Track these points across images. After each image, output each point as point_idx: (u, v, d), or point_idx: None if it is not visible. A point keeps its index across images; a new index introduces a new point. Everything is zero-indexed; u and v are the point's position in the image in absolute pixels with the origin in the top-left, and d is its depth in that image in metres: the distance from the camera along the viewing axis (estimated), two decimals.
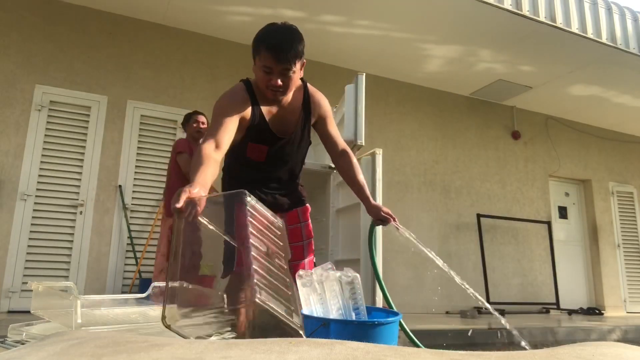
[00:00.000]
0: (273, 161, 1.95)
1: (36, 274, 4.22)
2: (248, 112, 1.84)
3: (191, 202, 1.33)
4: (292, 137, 1.94)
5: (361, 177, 2.06)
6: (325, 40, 5.43)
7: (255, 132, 1.87)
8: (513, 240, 6.79)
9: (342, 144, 2.08)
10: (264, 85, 1.78)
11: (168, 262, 3.44)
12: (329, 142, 2.06)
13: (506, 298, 6.40)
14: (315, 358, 0.70)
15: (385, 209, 2.03)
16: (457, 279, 1.83)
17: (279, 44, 1.71)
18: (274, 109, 1.89)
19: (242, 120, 1.82)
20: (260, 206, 1.41)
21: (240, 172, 1.96)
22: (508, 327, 1.84)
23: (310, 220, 2.14)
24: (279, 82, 1.75)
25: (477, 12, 4.82)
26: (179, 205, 1.31)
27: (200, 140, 1.71)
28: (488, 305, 1.86)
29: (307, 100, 1.93)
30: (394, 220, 2.01)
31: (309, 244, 2.10)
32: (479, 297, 1.84)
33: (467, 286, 1.82)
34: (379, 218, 2.03)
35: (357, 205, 3.43)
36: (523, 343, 1.82)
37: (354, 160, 2.08)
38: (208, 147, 1.66)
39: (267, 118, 1.88)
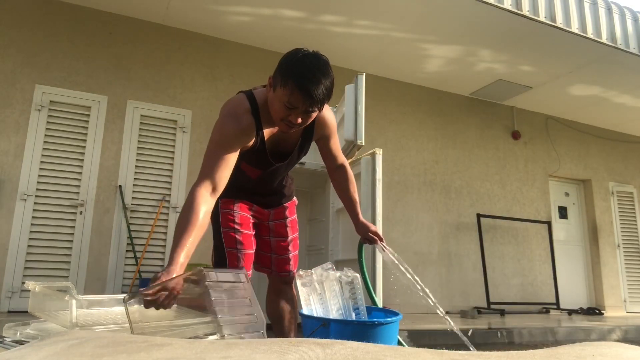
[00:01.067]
0: (264, 180, 1.92)
1: (36, 274, 4.22)
2: (251, 139, 1.70)
3: (169, 296, 1.28)
4: (288, 160, 1.86)
5: (355, 194, 2.03)
6: (325, 40, 5.43)
7: (251, 156, 1.78)
8: (513, 240, 6.78)
9: (340, 159, 2.03)
10: (279, 118, 1.61)
11: None
12: (328, 157, 2.00)
13: (506, 298, 6.40)
14: (315, 358, 0.70)
15: (372, 229, 1.99)
16: (432, 302, 1.83)
17: (313, 86, 1.52)
18: (275, 130, 1.76)
19: (243, 147, 1.70)
20: (220, 275, 1.34)
21: (233, 177, 1.81)
22: (455, 328, 1.86)
23: (296, 215, 2.13)
24: (300, 120, 1.59)
25: (477, 12, 4.81)
26: (151, 292, 1.25)
27: (200, 179, 1.56)
28: (451, 323, 1.87)
29: (312, 122, 1.73)
30: (381, 241, 1.98)
31: (294, 239, 2.08)
32: (447, 319, 1.85)
33: (436, 303, 1.83)
34: (366, 237, 2.00)
35: None
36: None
37: (351, 175, 2.05)
38: (203, 194, 1.51)
39: (267, 142, 1.76)
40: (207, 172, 1.57)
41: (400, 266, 1.86)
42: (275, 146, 1.81)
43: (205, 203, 1.50)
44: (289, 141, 1.83)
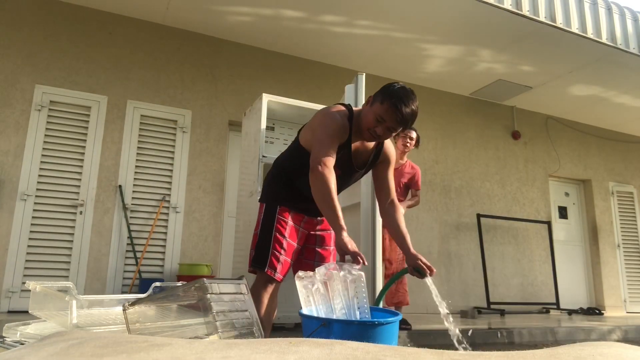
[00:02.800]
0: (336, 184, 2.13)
1: (36, 274, 4.22)
2: (344, 139, 2.02)
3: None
4: (361, 171, 2.17)
5: (405, 229, 2.20)
6: (326, 40, 5.43)
7: (339, 158, 2.01)
8: (513, 240, 6.78)
9: (393, 192, 2.22)
10: (367, 127, 1.97)
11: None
12: (384, 186, 2.20)
13: (506, 298, 6.40)
14: (315, 358, 0.70)
15: (424, 260, 2.04)
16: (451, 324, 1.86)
17: (403, 108, 1.91)
18: (358, 144, 2.09)
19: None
20: (220, 285, 1.43)
21: (298, 180, 2.09)
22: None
23: None
24: (382, 133, 1.96)
25: (477, 12, 4.82)
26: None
27: (319, 157, 1.88)
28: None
29: (381, 144, 2.13)
30: (432, 272, 2.00)
31: (334, 250, 2.26)
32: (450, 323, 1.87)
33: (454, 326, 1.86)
34: (415, 267, 2.03)
35: (356, 206, 3.43)
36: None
37: (400, 210, 2.21)
38: (331, 172, 1.86)
39: (352, 150, 2.07)
40: (326, 154, 1.88)
41: (436, 299, 1.87)
42: (355, 158, 2.11)
43: (334, 177, 1.87)
44: (361, 158, 2.13)
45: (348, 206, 3.67)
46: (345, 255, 1.74)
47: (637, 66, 5.81)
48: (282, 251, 2.05)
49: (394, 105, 1.90)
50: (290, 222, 2.10)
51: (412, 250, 2.08)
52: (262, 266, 2.03)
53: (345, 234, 1.76)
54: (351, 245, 1.74)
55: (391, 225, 2.17)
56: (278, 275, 2.04)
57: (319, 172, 1.84)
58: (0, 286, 4.11)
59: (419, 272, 2.00)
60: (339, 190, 2.22)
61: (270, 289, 2.07)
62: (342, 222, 1.79)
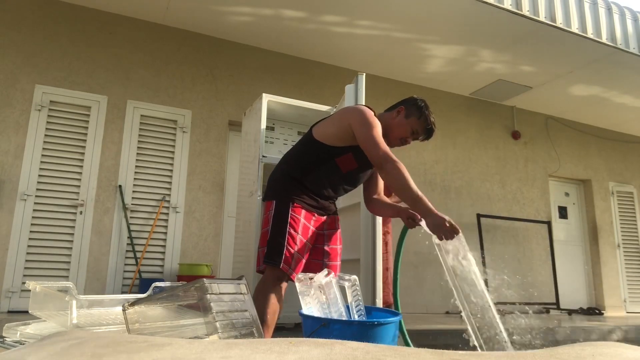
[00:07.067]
0: (347, 178, 2.19)
1: (36, 274, 4.22)
2: None
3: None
4: (370, 172, 2.31)
5: (387, 200, 2.40)
6: (326, 40, 5.43)
7: (359, 152, 2.11)
8: (513, 240, 6.78)
9: (381, 189, 2.41)
10: (400, 136, 2.25)
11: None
12: (374, 182, 2.39)
13: (506, 298, 6.39)
14: (315, 358, 0.70)
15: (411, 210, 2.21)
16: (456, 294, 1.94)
17: (434, 127, 2.27)
18: None
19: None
20: (220, 285, 1.43)
21: (313, 173, 2.12)
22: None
23: None
24: (410, 142, 2.28)
25: (477, 12, 4.81)
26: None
27: (386, 151, 2.02)
28: None
29: None
30: (419, 219, 2.15)
31: (340, 249, 2.32)
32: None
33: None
34: (409, 216, 2.18)
35: (357, 205, 3.43)
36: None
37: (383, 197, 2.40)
38: (403, 166, 2.00)
39: None
40: (387, 148, 2.04)
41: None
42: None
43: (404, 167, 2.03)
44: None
45: (348, 206, 3.67)
46: (446, 231, 1.91)
47: (637, 66, 5.81)
48: (296, 247, 2.02)
49: (430, 124, 2.23)
50: (302, 219, 2.08)
51: (403, 205, 2.26)
52: (276, 262, 1.97)
53: (438, 213, 1.90)
54: (448, 218, 1.90)
55: (380, 204, 2.35)
56: (292, 273, 1.97)
57: (394, 166, 1.95)
58: (0, 286, 4.11)
59: (413, 219, 2.17)
60: (340, 190, 2.26)
61: (280, 287, 2.02)
62: (430, 205, 1.91)
